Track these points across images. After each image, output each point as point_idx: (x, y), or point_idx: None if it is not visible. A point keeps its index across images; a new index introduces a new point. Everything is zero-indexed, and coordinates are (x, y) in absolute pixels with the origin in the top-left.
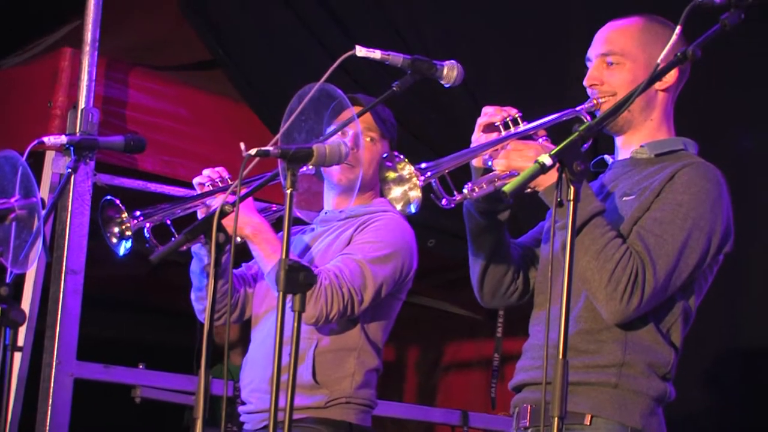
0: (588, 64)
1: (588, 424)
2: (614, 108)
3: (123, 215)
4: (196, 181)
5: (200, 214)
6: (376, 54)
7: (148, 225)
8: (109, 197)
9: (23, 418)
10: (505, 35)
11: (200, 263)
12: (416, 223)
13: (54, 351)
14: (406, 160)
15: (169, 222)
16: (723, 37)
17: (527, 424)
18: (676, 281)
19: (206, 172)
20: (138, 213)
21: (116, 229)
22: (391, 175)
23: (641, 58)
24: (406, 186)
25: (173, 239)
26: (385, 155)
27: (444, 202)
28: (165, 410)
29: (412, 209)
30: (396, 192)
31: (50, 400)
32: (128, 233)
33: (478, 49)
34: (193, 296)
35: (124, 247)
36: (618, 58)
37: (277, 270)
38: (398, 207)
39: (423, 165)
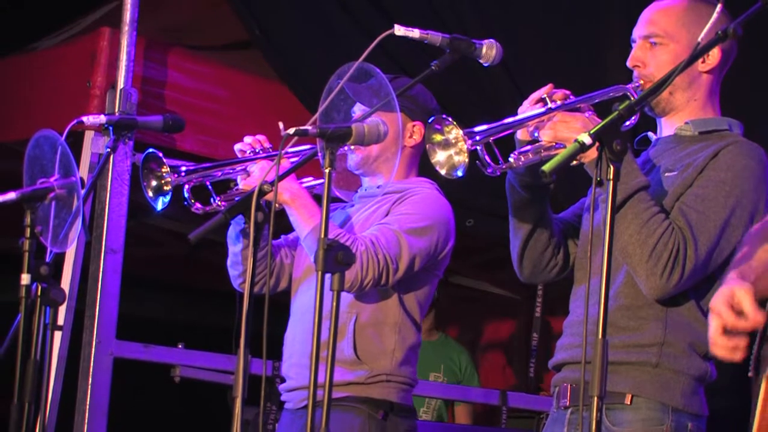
0: (633, 44)
1: (629, 403)
2: (654, 87)
3: (164, 169)
4: (237, 147)
5: (239, 181)
6: (415, 33)
7: (187, 184)
8: (152, 150)
9: (63, 397)
10: (544, 15)
11: (236, 228)
12: (455, 203)
13: (94, 330)
14: (455, 123)
15: (208, 184)
16: None
17: (567, 403)
18: (717, 258)
19: (248, 139)
20: (181, 169)
21: (155, 183)
22: (438, 137)
23: (684, 39)
24: (452, 150)
25: (212, 218)
26: (431, 119)
27: (489, 170)
28: (204, 389)
29: (459, 173)
30: (441, 156)
31: (90, 379)
32: (167, 188)
33: (516, 28)
34: (228, 261)
35: (161, 202)
36: (661, 39)
37: (315, 249)
38: (443, 171)
39: (471, 130)
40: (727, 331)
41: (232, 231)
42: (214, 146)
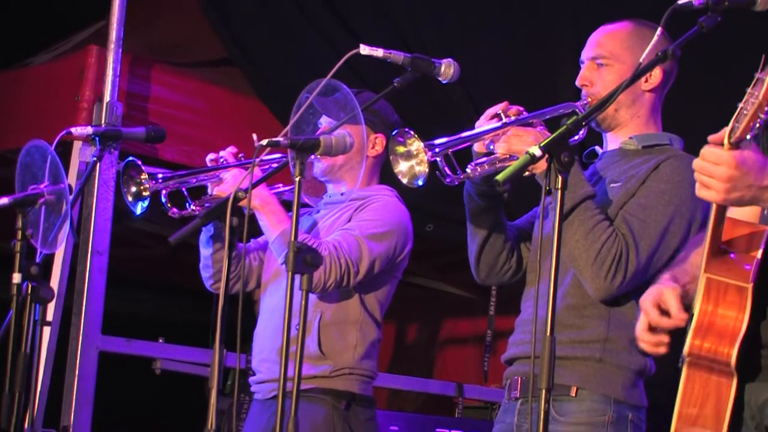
0: (581, 65)
1: (574, 395)
2: (599, 104)
3: (143, 176)
4: (209, 158)
5: (210, 188)
6: (379, 52)
7: (164, 190)
8: (131, 158)
9: (51, 388)
10: (499, 36)
11: (207, 233)
12: (416, 209)
13: (80, 326)
14: (416, 136)
15: (184, 190)
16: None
17: (518, 395)
18: (657, 262)
19: (222, 153)
20: (158, 176)
21: (134, 189)
22: (400, 149)
23: (628, 60)
24: (414, 161)
25: (191, 222)
26: (395, 132)
27: (448, 179)
28: (182, 381)
29: (420, 183)
30: (403, 166)
31: (76, 371)
32: (145, 193)
33: (473, 48)
34: (200, 264)
35: (140, 207)
36: (607, 60)
37: (286, 251)
38: (405, 180)
39: (431, 142)
40: (652, 328)
41: (203, 236)
42: (193, 155)
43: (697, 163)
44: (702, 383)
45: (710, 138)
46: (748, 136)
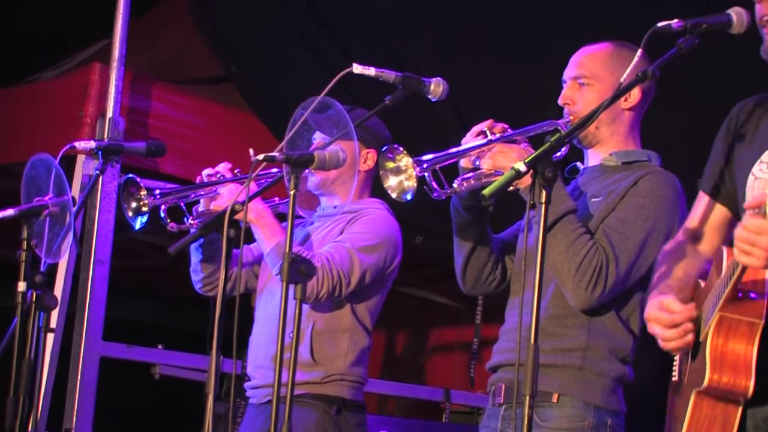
0: (563, 84)
1: (555, 401)
2: (581, 122)
3: (142, 192)
4: (205, 173)
5: (203, 203)
6: (371, 71)
7: (163, 205)
8: (131, 175)
9: (54, 392)
10: (486, 56)
11: (195, 242)
12: (406, 222)
13: (83, 332)
14: (405, 152)
15: (182, 205)
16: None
17: (501, 401)
18: (636, 274)
19: (218, 167)
20: (156, 192)
21: (134, 204)
22: (390, 165)
23: (609, 80)
24: (403, 176)
25: (191, 232)
26: (385, 148)
27: (436, 194)
28: (181, 386)
29: (408, 197)
30: (393, 181)
31: (79, 376)
32: (145, 209)
33: (461, 68)
34: (190, 269)
35: (140, 222)
36: (588, 80)
37: (280, 262)
38: (394, 195)
39: (420, 158)
40: (671, 326)
41: (193, 244)
42: (192, 169)
43: (739, 232)
44: (710, 408)
45: (746, 204)
46: None
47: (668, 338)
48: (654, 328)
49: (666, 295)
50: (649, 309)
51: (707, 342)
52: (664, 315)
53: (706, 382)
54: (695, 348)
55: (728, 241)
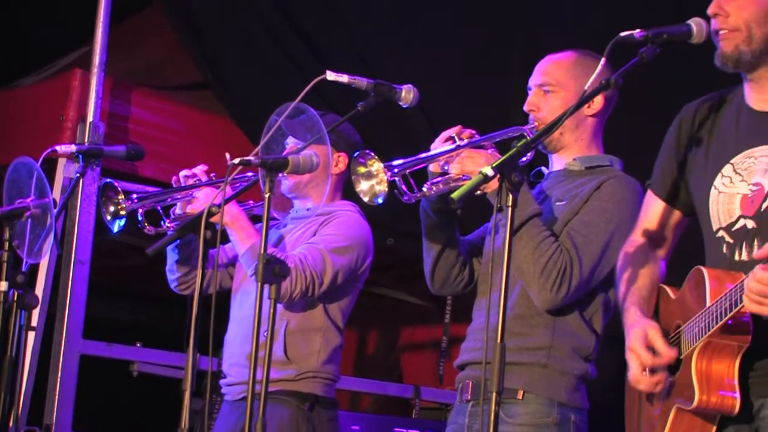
0: (529, 92)
1: (521, 398)
2: (547, 128)
3: (120, 197)
4: (182, 174)
5: (180, 207)
6: (344, 78)
7: (141, 209)
8: (108, 180)
9: (35, 388)
10: (455, 65)
11: (172, 243)
12: (377, 224)
13: (63, 331)
14: (376, 157)
15: (159, 208)
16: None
17: (469, 397)
18: (598, 276)
19: (194, 170)
20: (133, 196)
21: (112, 209)
22: (362, 169)
23: (573, 87)
24: (374, 181)
25: (167, 234)
26: (356, 153)
27: (406, 198)
28: (158, 383)
29: (380, 200)
30: (364, 185)
31: (59, 373)
32: (122, 213)
33: (431, 75)
34: (166, 268)
35: (117, 225)
36: (553, 88)
37: (255, 263)
38: (366, 199)
39: (390, 163)
40: (647, 370)
41: (170, 245)
42: (170, 172)
43: (752, 285)
44: (689, 422)
45: (756, 255)
46: None
47: (639, 381)
48: (631, 360)
49: (649, 322)
50: (633, 339)
51: (692, 362)
52: (645, 355)
53: (695, 404)
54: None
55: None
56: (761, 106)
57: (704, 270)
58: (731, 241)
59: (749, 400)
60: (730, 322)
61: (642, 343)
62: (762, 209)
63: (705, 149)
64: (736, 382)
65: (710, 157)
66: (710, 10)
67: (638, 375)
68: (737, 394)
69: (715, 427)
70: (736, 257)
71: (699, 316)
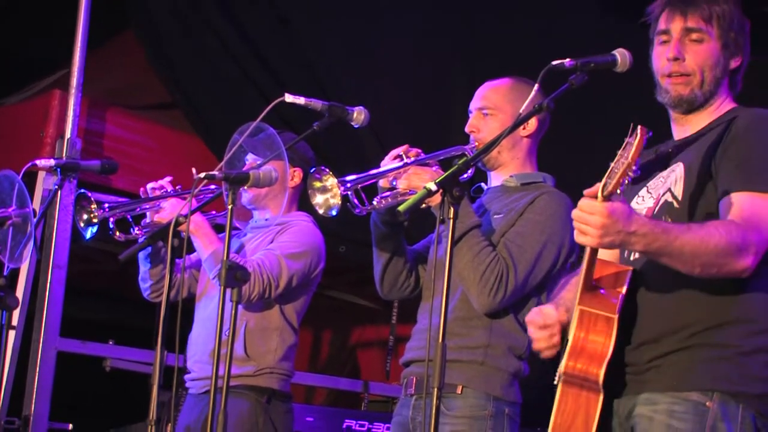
0: (470, 114)
1: (459, 393)
2: (485, 147)
3: (92, 206)
4: (149, 186)
5: (150, 215)
6: (301, 100)
7: (112, 217)
8: (83, 191)
9: (15, 382)
10: (403, 89)
11: (145, 253)
12: (331, 233)
13: (41, 329)
14: (331, 173)
15: (129, 217)
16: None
17: (413, 391)
18: (532, 282)
19: (161, 181)
20: (105, 205)
21: (85, 216)
22: (317, 184)
23: (509, 111)
24: (329, 194)
25: (138, 241)
26: (312, 169)
27: (358, 210)
28: (129, 378)
29: (333, 213)
30: (320, 198)
31: (37, 368)
32: (95, 221)
33: (381, 98)
34: (139, 277)
35: (90, 232)
36: (491, 111)
37: (217, 267)
38: (321, 211)
39: (343, 179)
40: (542, 328)
41: (142, 254)
42: (142, 185)
43: (575, 213)
44: (574, 398)
45: (586, 192)
46: (618, 191)
47: (538, 338)
48: (529, 329)
49: (546, 305)
50: (529, 314)
51: (570, 333)
52: (537, 318)
53: (562, 368)
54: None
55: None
56: (680, 135)
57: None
58: None
59: (624, 395)
60: (602, 291)
61: (534, 313)
62: (655, 213)
63: (634, 181)
64: (608, 354)
65: (637, 185)
66: (669, 54)
67: (536, 335)
68: (603, 365)
69: (600, 401)
70: (626, 255)
71: (575, 286)
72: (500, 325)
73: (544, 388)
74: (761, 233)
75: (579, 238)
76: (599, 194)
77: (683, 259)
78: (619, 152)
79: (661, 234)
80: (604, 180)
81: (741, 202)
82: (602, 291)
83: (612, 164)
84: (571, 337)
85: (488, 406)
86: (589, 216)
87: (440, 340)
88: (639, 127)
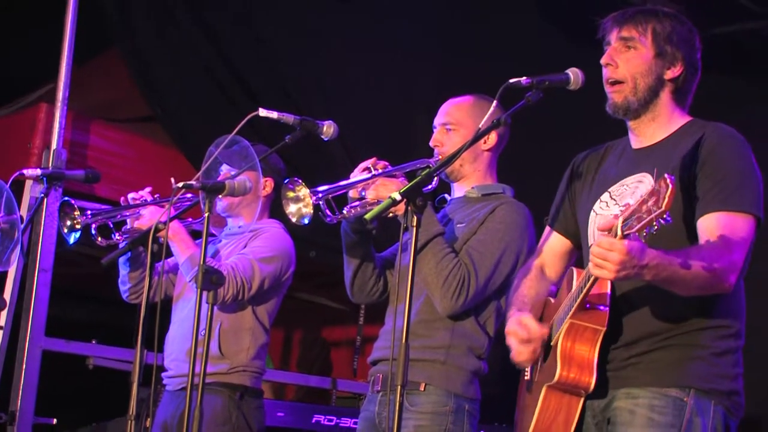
0: (434, 129)
1: (422, 390)
2: (447, 159)
3: (76, 213)
4: (130, 196)
5: (130, 222)
6: (274, 114)
7: (94, 223)
8: (66, 198)
9: (2, 380)
10: (373, 104)
11: (125, 257)
12: (302, 238)
13: (28, 329)
14: (303, 183)
15: (110, 223)
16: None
17: (379, 388)
18: (492, 286)
19: (141, 192)
20: (88, 212)
21: (69, 223)
22: (290, 194)
23: (470, 126)
24: (301, 204)
25: (120, 246)
26: (286, 180)
27: (329, 219)
28: (111, 375)
29: (305, 221)
30: (293, 208)
31: (23, 366)
32: (78, 226)
33: (350, 112)
34: (119, 280)
35: (73, 237)
36: (454, 126)
37: (193, 270)
38: (294, 220)
39: (315, 189)
40: (525, 342)
41: (122, 259)
42: (123, 193)
43: (594, 249)
44: (557, 399)
45: (599, 226)
46: (643, 235)
47: (520, 352)
48: (510, 341)
49: (524, 313)
50: (510, 324)
51: (558, 344)
52: (521, 331)
53: (556, 378)
54: (546, 352)
55: (574, 264)
56: (638, 145)
57: (574, 270)
58: None
59: (605, 389)
60: (588, 305)
61: (517, 324)
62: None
63: (590, 184)
64: (594, 362)
65: (593, 188)
66: (603, 60)
67: (518, 349)
68: (594, 373)
69: (580, 404)
70: None
71: (565, 303)
72: (461, 326)
73: (500, 385)
74: (741, 252)
75: (595, 271)
76: (619, 232)
77: (684, 285)
78: (643, 195)
79: (668, 266)
80: (623, 218)
81: (720, 222)
82: (588, 306)
83: (632, 204)
84: (560, 348)
85: (449, 402)
86: (608, 252)
87: (404, 340)
88: (666, 175)
